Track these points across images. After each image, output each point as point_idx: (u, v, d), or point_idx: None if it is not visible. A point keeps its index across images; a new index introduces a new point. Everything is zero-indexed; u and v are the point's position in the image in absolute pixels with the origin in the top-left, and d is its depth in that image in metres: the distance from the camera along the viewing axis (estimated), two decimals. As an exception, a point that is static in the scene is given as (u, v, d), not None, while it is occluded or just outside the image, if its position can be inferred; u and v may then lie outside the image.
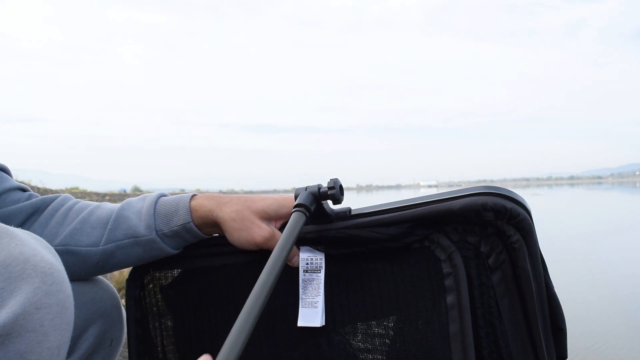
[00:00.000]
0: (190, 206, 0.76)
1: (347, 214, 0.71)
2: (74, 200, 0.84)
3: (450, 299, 0.62)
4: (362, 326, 0.68)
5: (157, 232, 0.75)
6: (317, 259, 0.71)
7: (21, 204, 0.78)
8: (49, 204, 0.81)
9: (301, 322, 0.70)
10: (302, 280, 0.71)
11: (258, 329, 0.74)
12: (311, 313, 0.69)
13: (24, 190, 0.81)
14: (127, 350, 0.86)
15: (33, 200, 0.80)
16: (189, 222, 0.75)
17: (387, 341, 0.66)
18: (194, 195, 0.78)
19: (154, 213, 0.77)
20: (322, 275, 0.70)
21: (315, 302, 0.69)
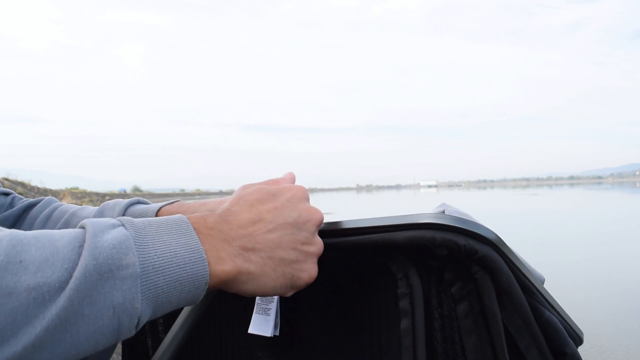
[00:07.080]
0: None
1: None
2: (55, 204, 0.83)
3: (404, 324, 0.52)
4: (317, 343, 0.62)
5: None
6: None
7: (5, 213, 0.78)
8: (29, 212, 0.81)
9: (252, 329, 0.62)
10: None
11: (209, 337, 0.72)
12: (263, 320, 0.62)
13: (6, 194, 0.81)
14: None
15: (15, 208, 0.80)
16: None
17: None
18: (162, 207, 0.77)
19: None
20: None
21: (268, 309, 0.62)
